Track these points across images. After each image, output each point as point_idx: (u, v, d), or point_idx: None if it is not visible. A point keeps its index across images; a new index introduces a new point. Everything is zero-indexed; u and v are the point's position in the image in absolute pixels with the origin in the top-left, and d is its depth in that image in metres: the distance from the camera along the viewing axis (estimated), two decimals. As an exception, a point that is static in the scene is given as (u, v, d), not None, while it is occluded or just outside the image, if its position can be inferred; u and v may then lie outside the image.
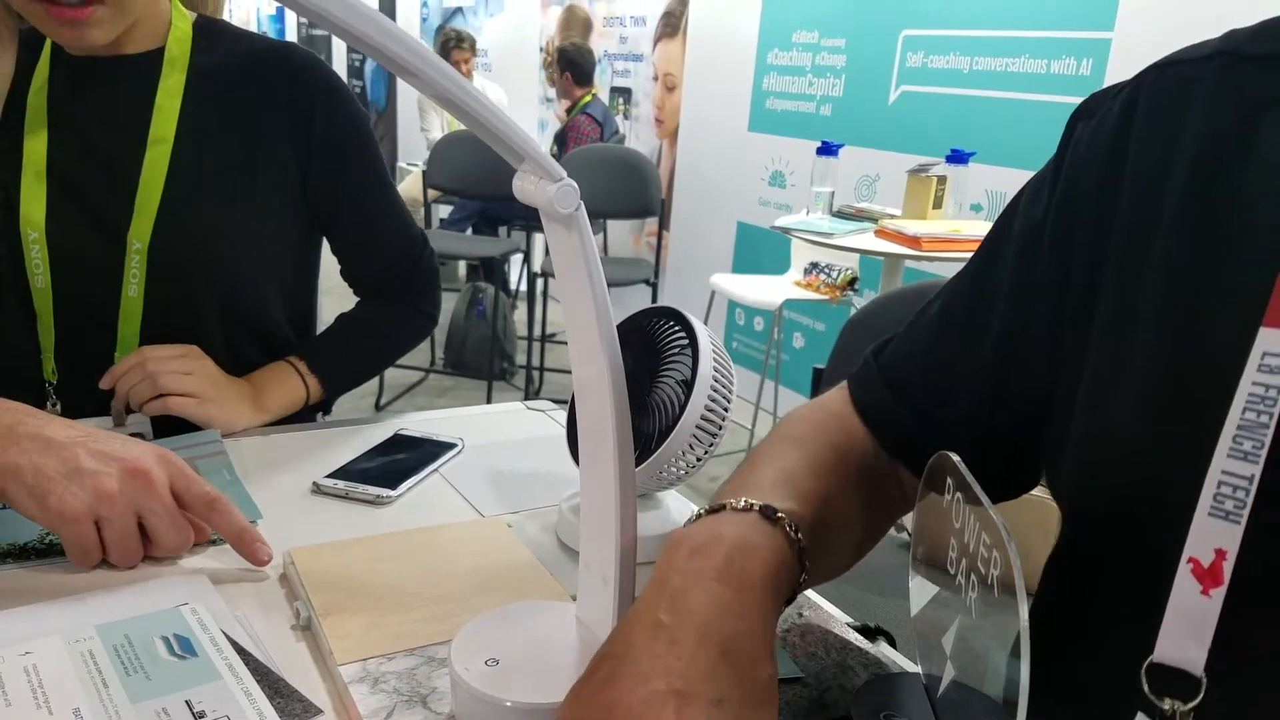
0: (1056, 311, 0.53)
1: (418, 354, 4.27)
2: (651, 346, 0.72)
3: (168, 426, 0.88)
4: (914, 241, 2.32)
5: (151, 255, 0.91)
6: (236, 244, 0.95)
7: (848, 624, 0.63)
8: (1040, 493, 1.48)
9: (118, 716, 0.50)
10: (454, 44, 4.91)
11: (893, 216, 2.59)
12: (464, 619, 0.59)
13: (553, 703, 0.44)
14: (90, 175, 0.91)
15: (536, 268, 3.83)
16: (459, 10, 6.39)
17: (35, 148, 0.89)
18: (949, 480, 0.47)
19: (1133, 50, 2.49)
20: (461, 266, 5.29)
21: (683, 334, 0.71)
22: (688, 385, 0.67)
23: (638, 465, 0.67)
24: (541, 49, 5.40)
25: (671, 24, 4.33)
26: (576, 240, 0.47)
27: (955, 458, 0.48)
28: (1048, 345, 0.53)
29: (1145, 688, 0.43)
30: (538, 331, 3.94)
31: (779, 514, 0.47)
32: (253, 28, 10.95)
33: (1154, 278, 0.47)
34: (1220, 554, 0.40)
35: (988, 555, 0.42)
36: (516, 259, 4.17)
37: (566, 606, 0.56)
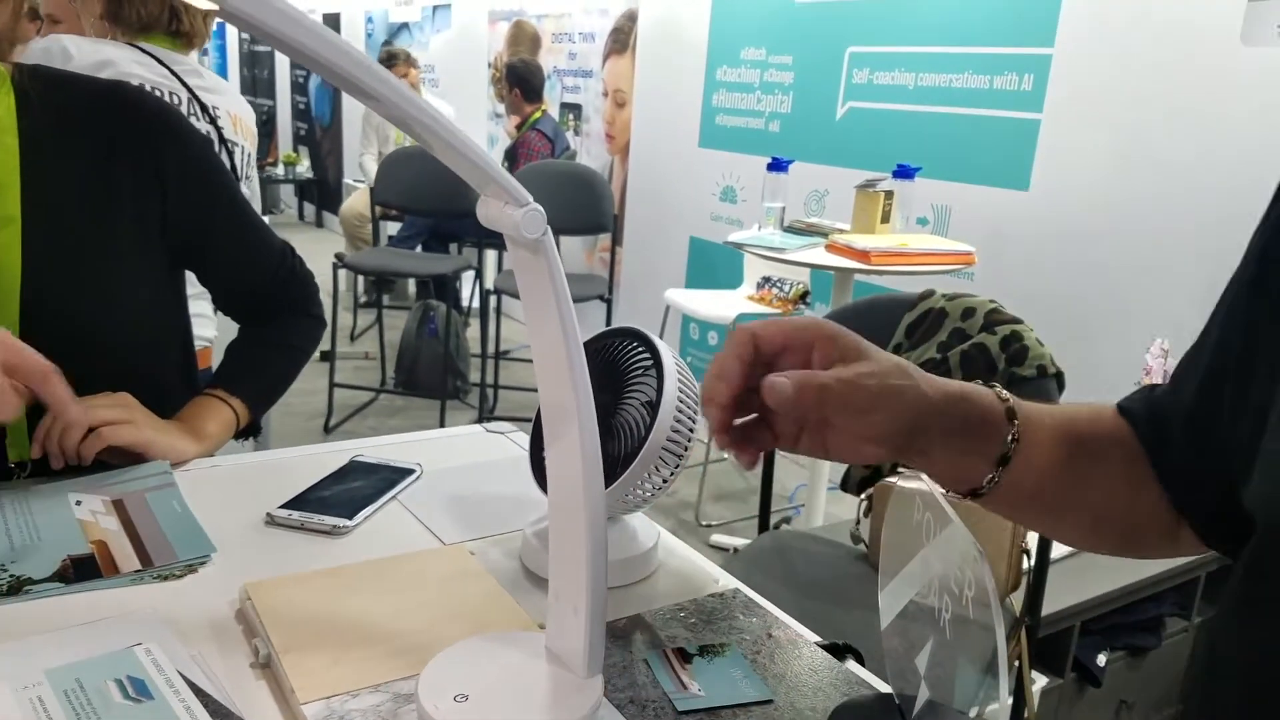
0: (1251, 341, 0.54)
1: (368, 374, 4.21)
2: (615, 368, 0.72)
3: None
4: (863, 256, 2.35)
5: (24, 337, 0.85)
6: (108, 310, 0.92)
7: (816, 643, 0.63)
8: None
9: (69, 767, 0.48)
10: (400, 60, 4.89)
11: (842, 231, 2.62)
12: (429, 652, 0.58)
13: None
14: None
15: (489, 284, 3.80)
16: (405, 25, 6.34)
17: None
18: (918, 500, 0.48)
19: (1073, 65, 2.56)
20: (411, 284, 5.24)
21: (646, 355, 0.71)
22: (653, 407, 0.67)
23: (606, 487, 0.67)
24: (490, 65, 5.38)
25: (620, 40, 4.36)
26: (544, 265, 0.46)
27: (925, 477, 0.48)
28: (1242, 375, 0.54)
29: None
30: (491, 349, 3.91)
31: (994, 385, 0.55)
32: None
33: None
34: None
35: (960, 575, 0.42)
36: (468, 276, 4.14)
37: (536, 637, 0.55)
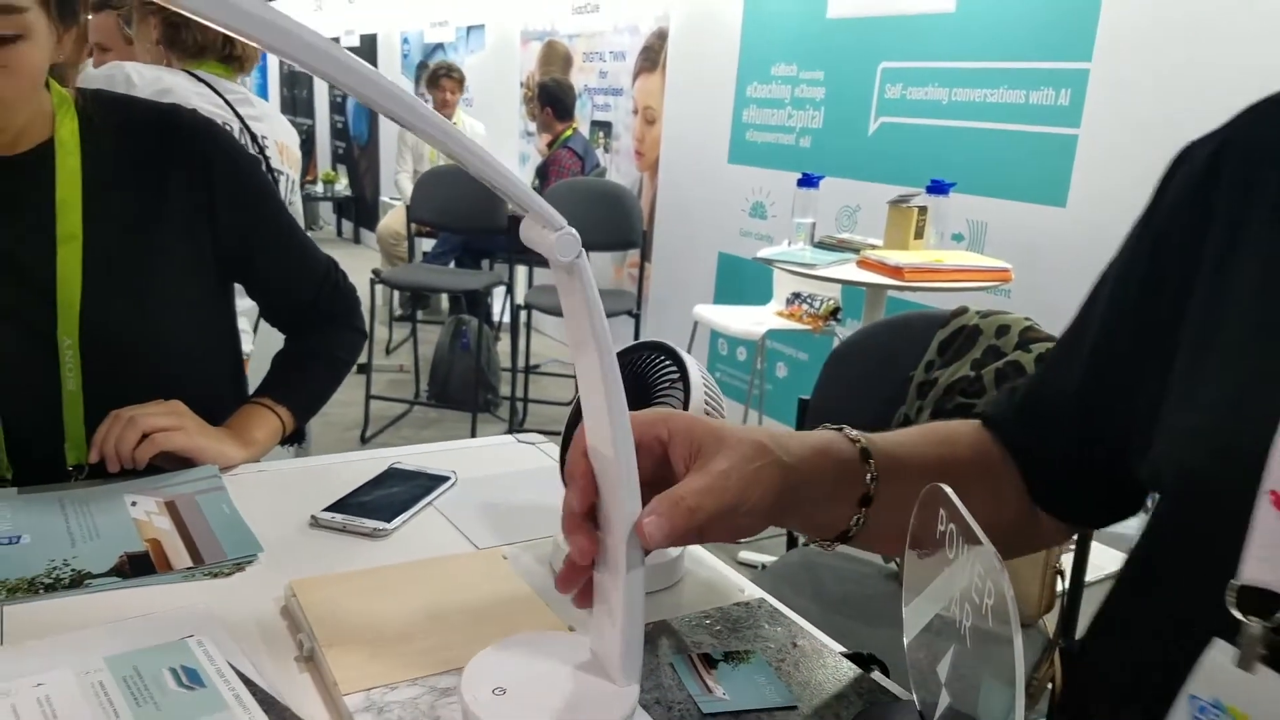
0: (1138, 336, 0.60)
1: (403, 386, 4.27)
2: (642, 381, 0.74)
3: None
4: (896, 272, 2.36)
5: (83, 350, 0.92)
6: (161, 322, 0.97)
7: (841, 653, 0.65)
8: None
9: (129, 748, 0.52)
10: (444, 74, 4.98)
11: (874, 247, 2.63)
12: (465, 649, 0.61)
13: None
14: (8, 281, 0.91)
15: (520, 299, 3.85)
16: (440, 46, 6.46)
17: None
18: (942, 512, 0.49)
19: (1111, 80, 2.55)
20: (445, 300, 5.31)
21: (673, 368, 0.73)
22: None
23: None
24: (522, 84, 5.46)
25: (650, 58, 4.41)
26: (578, 287, 0.47)
27: (948, 490, 0.50)
28: (1130, 369, 0.61)
29: (1233, 609, 0.47)
30: (521, 363, 3.95)
31: (841, 427, 0.59)
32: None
33: (1246, 285, 0.55)
34: None
35: (981, 585, 0.44)
36: (499, 291, 4.20)
37: (580, 640, 0.55)
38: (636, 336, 3.77)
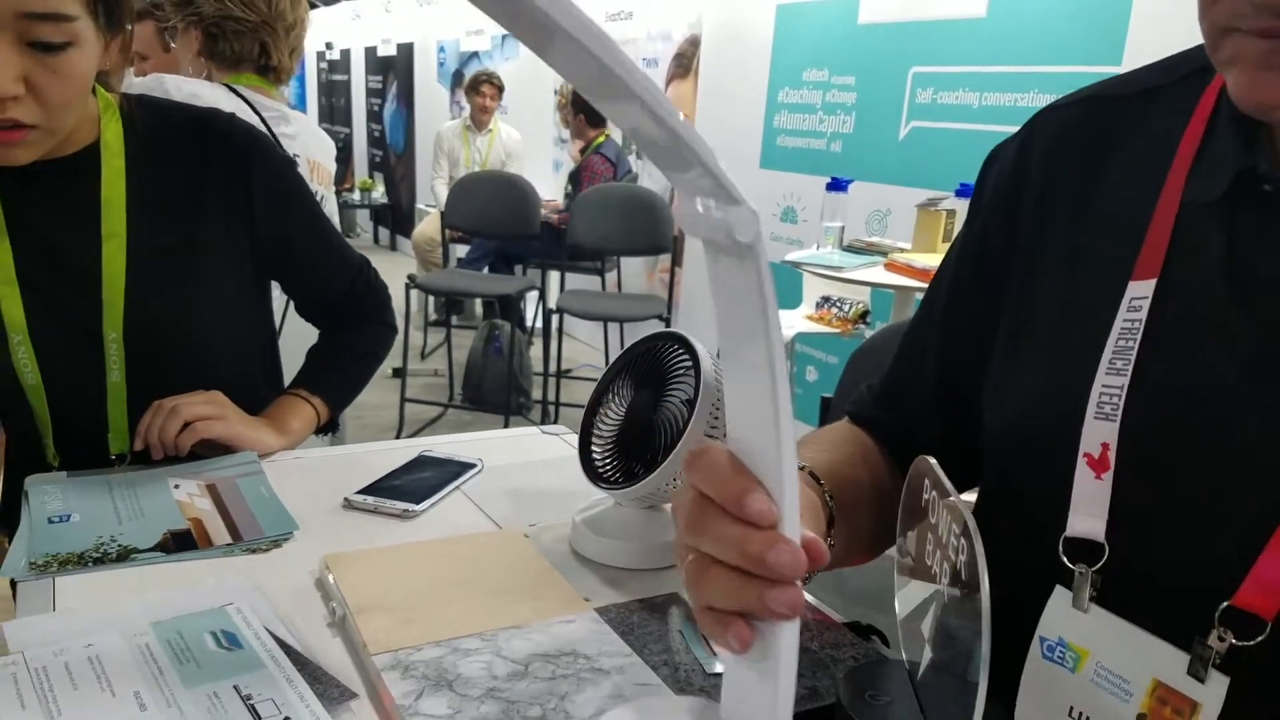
0: (976, 324, 0.67)
1: (437, 390, 4.34)
2: (658, 368, 0.78)
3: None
4: (924, 274, 2.36)
5: (127, 342, 0.96)
6: (201, 316, 1.01)
7: (842, 623, 0.68)
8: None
9: (174, 699, 0.56)
10: (485, 80, 5.06)
11: (903, 250, 2.64)
12: (487, 616, 0.64)
13: None
14: (56, 277, 0.96)
15: (552, 304, 3.90)
16: (475, 54, 6.55)
17: (1, 256, 0.93)
18: (926, 480, 0.52)
19: (1136, 85, 2.54)
20: (479, 305, 5.38)
21: (686, 356, 0.76)
22: (690, 404, 0.72)
23: (646, 477, 0.72)
24: (556, 92, 5.53)
25: (683, 64, 4.45)
26: (753, 276, 0.39)
27: (932, 460, 0.53)
28: (975, 346, 0.67)
29: (1063, 558, 0.55)
30: (553, 367, 4.00)
31: (803, 465, 0.63)
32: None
33: (1052, 270, 0.61)
34: (1105, 446, 0.53)
35: (956, 544, 0.46)
36: (532, 296, 4.25)
37: (712, 706, 0.49)
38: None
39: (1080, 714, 0.54)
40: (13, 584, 0.73)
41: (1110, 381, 0.54)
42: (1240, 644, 0.47)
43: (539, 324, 4.20)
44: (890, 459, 0.74)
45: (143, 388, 0.97)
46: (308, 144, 1.72)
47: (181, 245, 1.00)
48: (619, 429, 0.78)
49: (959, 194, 2.65)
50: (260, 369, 1.14)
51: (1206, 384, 0.52)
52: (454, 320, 4.85)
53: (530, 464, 1.00)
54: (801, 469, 0.62)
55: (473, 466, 0.96)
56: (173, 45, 1.76)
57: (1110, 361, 0.54)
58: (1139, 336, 0.54)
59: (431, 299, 5.27)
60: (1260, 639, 0.46)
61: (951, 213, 2.60)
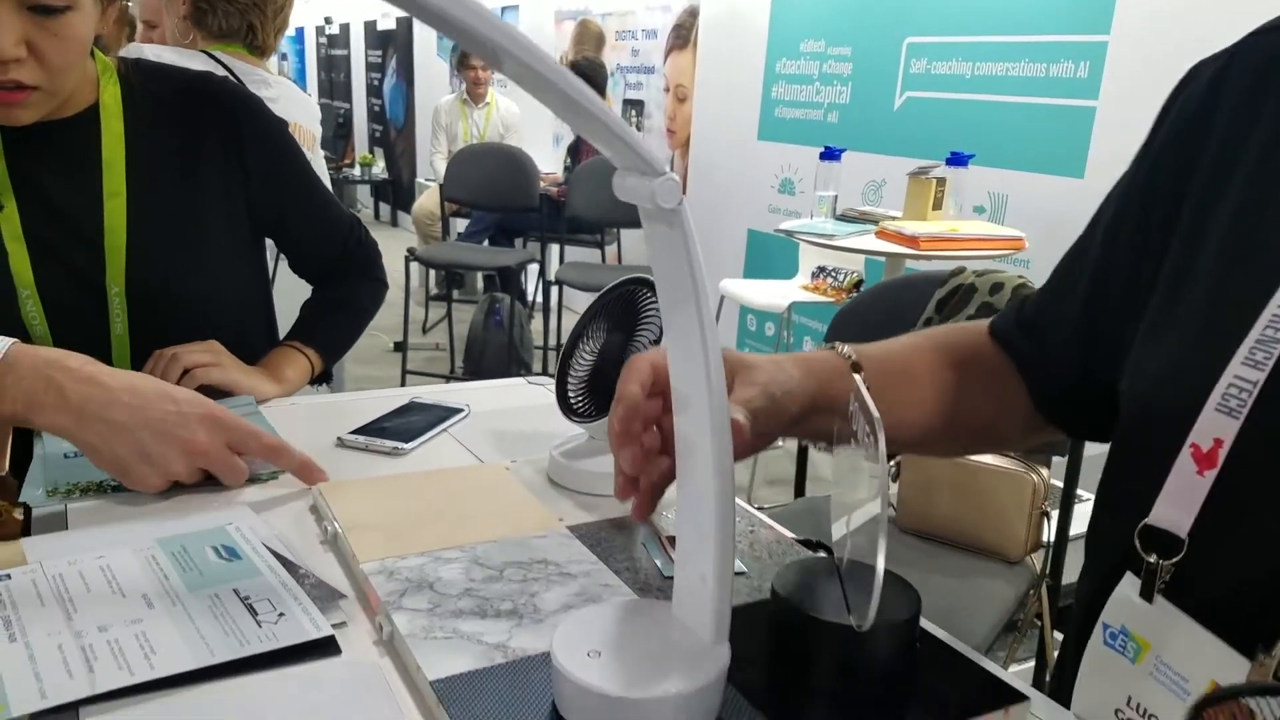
0: (1136, 263, 0.61)
1: (439, 363, 4.40)
2: (630, 309, 0.83)
3: None
4: (912, 241, 2.40)
5: (129, 296, 1.02)
6: (200, 271, 1.07)
7: (794, 539, 0.73)
8: (1016, 466, 1.55)
9: (178, 600, 0.61)
10: (463, 60, 5.08)
11: (894, 218, 2.68)
12: (468, 533, 0.70)
13: (656, 696, 0.47)
14: (61, 233, 1.00)
15: (551, 277, 3.95)
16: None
17: (8, 214, 0.98)
18: (851, 395, 0.57)
19: (1129, 52, 2.57)
20: (480, 280, 5.43)
21: (656, 300, 0.81)
22: (658, 344, 0.77)
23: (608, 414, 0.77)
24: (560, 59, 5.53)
25: (682, 36, 4.46)
26: (679, 238, 0.45)
27: (858, 378, 0.58)
28: (1127, 291, 0.62)
29: (1137, 545, 0.52)
30: (553, 340, 4.05)
31: (834, 345, 0.65)
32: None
33: (1217, 233, 0.55)
34: (1218, 443, 0.49)
35: (867, 442, 0.51)
36: (533, 270, 4.29)
37: (664, 605, 0.56)
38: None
39: (1138, 705, 0.52)
40: (25, 519, 0.78)
41: (1244, 374, 0.49)
42: None
43: (539, 297, 4.26)
44: (1021, 384, 0.70)
45: (145, 339, 1.02)
46: (289, 107, 1.75)
47: (180, 203, 1.05)
48: (592, 368, 0.83)
49: (949, 162, 2.69)
50: (256, 322, 1.19)
51: None
52: (455, 294, 4.90)
53: (515, 410, 1.05)
54: (846, 358, 0.65)
55: (459, 411, 1.01)
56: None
57: (1250, 353, 0.49)
58: None
59: (432, 274, 5.32)
60: None
61: (942, 180, 2.64)
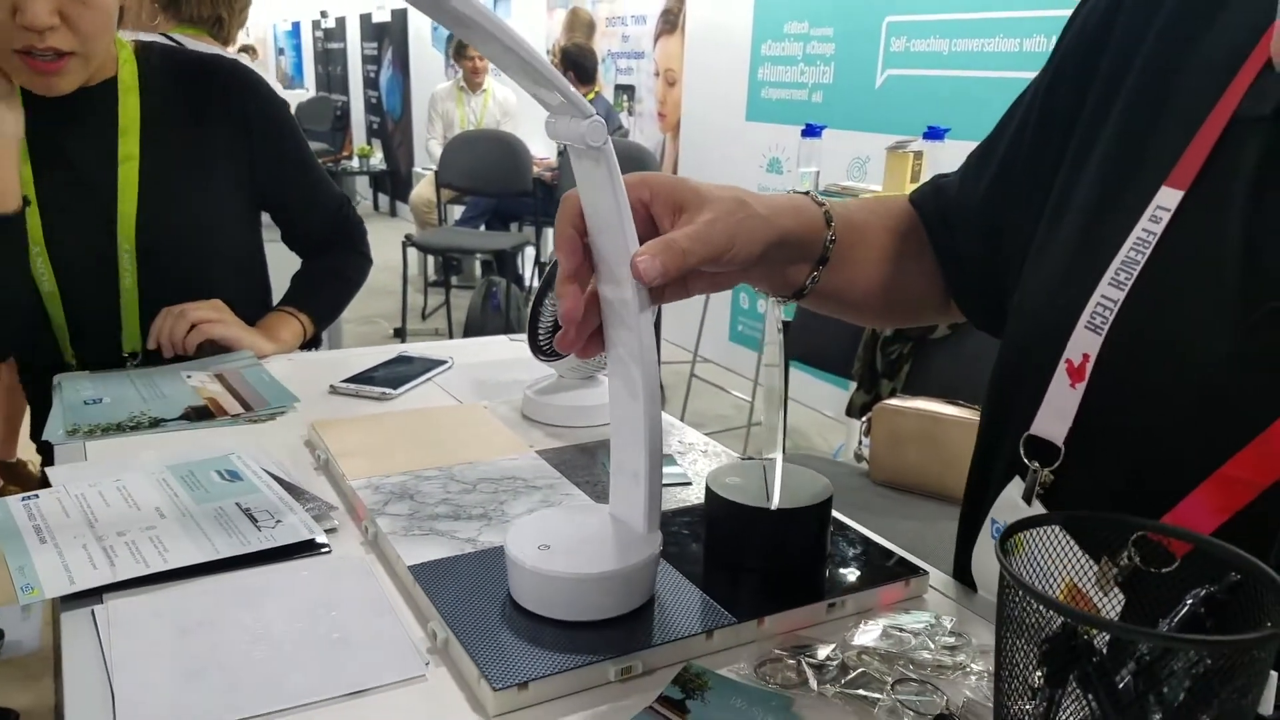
0: (1033, 170, 0.63)
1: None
2: (593, 259, 0.90)
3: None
4: (890, 212, 2.47)
5: (139, 250, 1.10)
6: (203, 229, 1.15)
7: (740, 457, 0.81)
8: (976, 416, 1.63)
9: (187, 512, 0.69)
10: (462, 49, 5.14)
11: (874, 192, 2.75)
12: (447, 457, 0.78)
13: (596, 572, 0.54)
14: (75, 194, 1.08)
15: (546, 259, 4.02)
16: (470, 18, 6.60)
17: (24, 175, 1.05)
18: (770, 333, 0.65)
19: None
20: (477, 267, 5.50)
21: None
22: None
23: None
24: (548, 51, 5.60)
25: (670, 21, 4.52)
26: (605, 171, 0.50)
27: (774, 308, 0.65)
28: (1022, 202, 0.64)
29: (1022, 454, 0.56)
30: (550, 319, 4.12)
31: (808, 192, 0.63)
32: (269, 44, 11.26)
33: (1103, 145, 0.57)
34: (1085, 357, 0.52)
35: (773, 355, 0.59)
36: (529, 255, 4.36)
37: (601, 508, 0.62)
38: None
39: None
40: (47, 457, 0.86)
41: (1108, 293, 0.52)
42: (1144, 569, 0.46)
43: (535, 281, 4.33)
44: (930, 246, 0.71)
45: (152, 294, 1.11)
46: None
47: (189, 169, 1.14)
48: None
49: (926, 136, 2.75)
50: (252, 287, 1.27)
51: (1199, 320, 0.49)
52: (453, 281, 4.98)
53: (495, 362, 1.13)
54: (820, 205, 0.63)
55: (444, 363, 1.09)
56: None
57: (1115, 273, 0.52)
58: (1149, 250, 0.51)
59: (431, 261, 5.40)
60: (1167, 570, 0.46)
61: (919, 154, 2.71)
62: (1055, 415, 0.54)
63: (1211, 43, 0.53)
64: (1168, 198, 0.51)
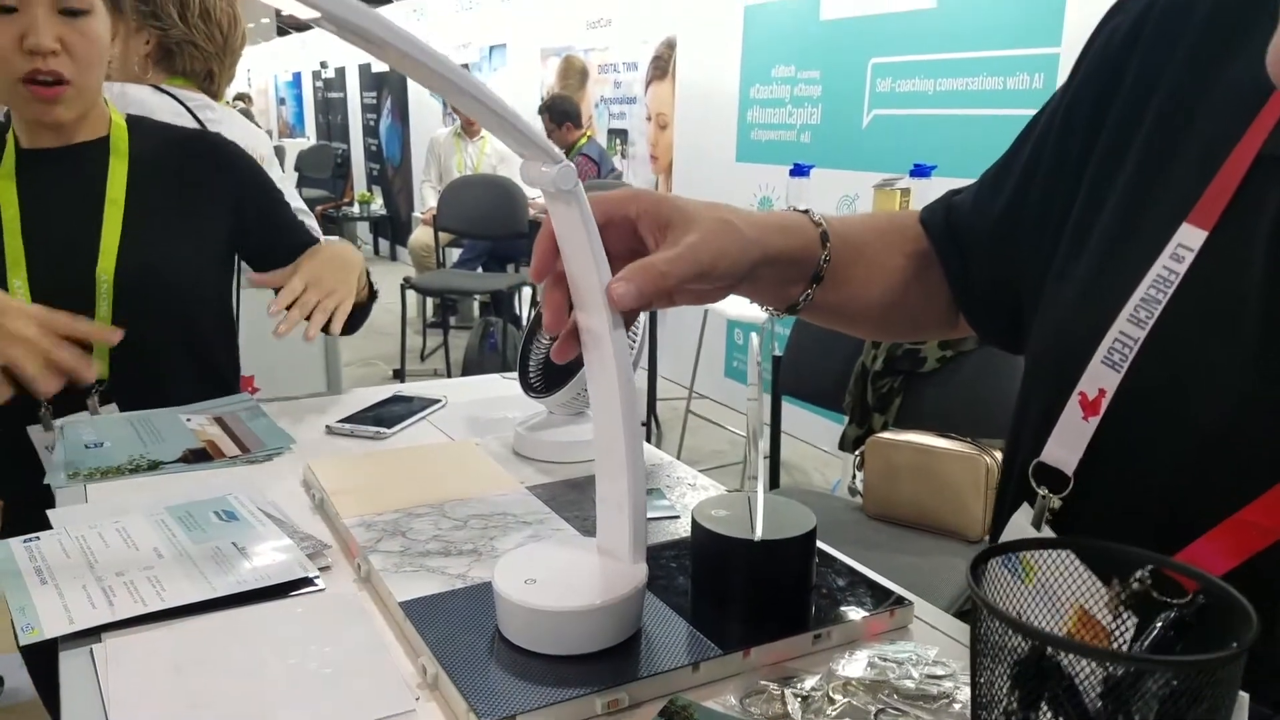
0: (1050, 193, 0.62)
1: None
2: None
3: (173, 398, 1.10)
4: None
5: (117, 283, 1.12)
6: (179, 270, 1.18)
7: (726, 489, 0.83)
8: (969, 449, 1.64)
9: (184, 552, 0.71)
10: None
11: (863, 229, 2.79)
12: (439, 494, 0.79)
13: (581, 606, 0.54)
14: (59, 232, 1.12)
15: (540, 298, 4.04)
16: (465, 65, 6.73)
17: (10, 216, 1.10)
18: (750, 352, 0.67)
19: (1079, 64, 2.70)
20: (475, 308, 5.54)
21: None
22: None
23: (561, 388, 0.87)
24: (542, 98, 5.69)
25: (661, 67, 4.61)
26: (577, 213, 0.52)
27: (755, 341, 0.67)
28: (1036, 224, 0.63)
29: (1030, 479, 0.56)
30: (546, 360, 4.14)
31: (808, 210, 0.63)
32: (271, 94, 11.40)
33: (1122, 179, 0.56)
34: (1101, 392, 0.52)
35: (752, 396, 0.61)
36: (526, 295, 4.39)
37: (588, 541, 0.63)
38: (652, 327, 3.95)
39: (1021, 615, 0.55)
40: (45, 499, 0.88)
41: (1128, 330, 0.51)
42: (1159, 598, 0.46)
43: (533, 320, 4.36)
44: (944, 277, 0.70)
45: (122, 322, 1.11)
46: (231, 129, 1.82)
47: (169, 214, 1.18)
48: (549, 349, 0.93)
49: (913, 174, 2.80)
50: (220, 324, 1.29)
51: (1219, 363, 0.49)
52: (451, 322, 5.01)
53: (488, 400, 1.15)
54: (818, 225, 0.63)
55: (437, 401, 1.11)
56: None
57: (1135, 310, 0.51)
58: (1172, 290, 0.50)
59: (429, 303, 5.44)
60: (1178, 601, 0.45)
61: (906, 191, 2.75)
62: (1065, 445, 0.54)
63: (1236, 74, 0.53)
64: (1191, 237, 0.51)
